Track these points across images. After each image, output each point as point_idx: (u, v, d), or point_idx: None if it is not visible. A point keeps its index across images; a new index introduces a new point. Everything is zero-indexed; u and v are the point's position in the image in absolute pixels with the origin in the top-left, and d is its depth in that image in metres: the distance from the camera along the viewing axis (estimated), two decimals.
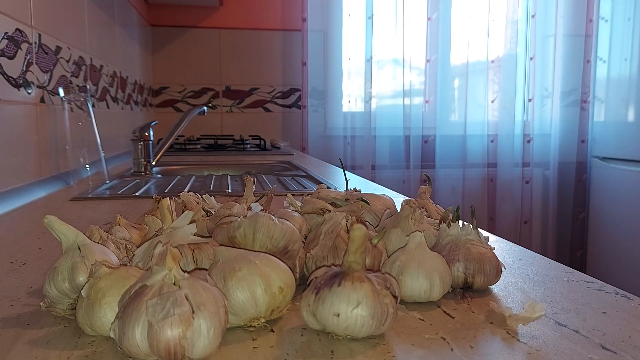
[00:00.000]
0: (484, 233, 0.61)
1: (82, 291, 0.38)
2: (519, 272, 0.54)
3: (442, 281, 0.45)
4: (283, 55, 2.77)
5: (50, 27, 1.18)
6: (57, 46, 1.22)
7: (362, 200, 0.58)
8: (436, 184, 2.86)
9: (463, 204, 2.87)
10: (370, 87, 2.74)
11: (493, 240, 0.67)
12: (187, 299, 0.33)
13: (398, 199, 0.96)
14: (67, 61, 1.31)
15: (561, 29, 2.86)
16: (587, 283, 0.50)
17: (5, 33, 0.94)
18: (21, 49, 1.01)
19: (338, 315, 0.36)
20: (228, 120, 2.77)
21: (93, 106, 1.44)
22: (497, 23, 2.82)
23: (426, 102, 2.85)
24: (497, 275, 0.48)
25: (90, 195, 1.04)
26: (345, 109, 2.80)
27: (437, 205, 0.65)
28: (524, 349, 0.36)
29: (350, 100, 2.81)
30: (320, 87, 2.77)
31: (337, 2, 2.72)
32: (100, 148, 1.23)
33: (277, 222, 0.46)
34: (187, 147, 2.35)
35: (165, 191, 1.14)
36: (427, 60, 2.81)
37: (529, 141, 2.91)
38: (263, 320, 0.39)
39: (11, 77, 0.97)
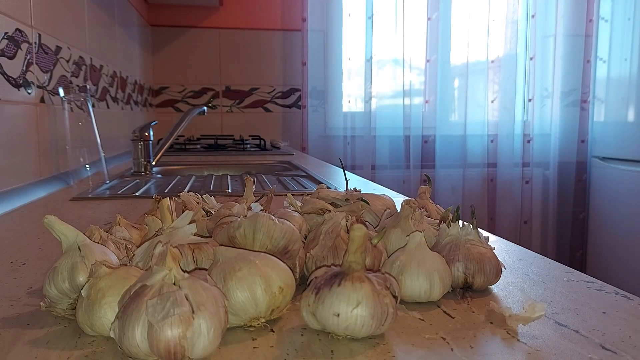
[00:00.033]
0: (484, 233, 0.61)
1: (82, 291, 0.38)
2: (519, 272, 0.54)
3: (442, 281, 0.45)
4: (283, 55, 2.77)
5: (50, 27, 1.18)
6: (57, 46, 1.22)
7: (362, 200, 0.58)
8: (436, 184, 2.86)
9: (463, 204, 2.87)
10: (370, 87, 2.74)
11: (493, 240, 0.67)
12: (187, 299, 0.33)
13: (398, 199, 0.96)
14: (67, 61, 1.31)
15: (561, 29, 2.86)
16: (587, 283, 0.50)
17: (5, 33, 0.94)
18: (21, 49, 1.01)
19: (338, 315, 0.36)
20: (228, 120, 2.77)
21: (93, 106, 1.44)
22: (497, 23, 2.82)
23: (426, 102, 2.85)
24: (497, 275, 0.48)
25: (90, 195, 1.04)
26: (345, 109, 2.80)
27: (437, 205, 0.65)
28: (524, 349, 0.36)
29: (350, 100, 2.81)
30: (320, 87, 2.77)
31: (337, 2, 2.72)
32: (100, 148, 1.23)
33: (277, 222, 0.46)
34: (187, 147, 2.35)
35: (165, 191, 1.14)
36: (427, 60, 2.81)
37: (529, 141, 2.91)
38: (263, 320, 0.39)
39: (11, 77, 0.97)
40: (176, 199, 0.63)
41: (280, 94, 2.80)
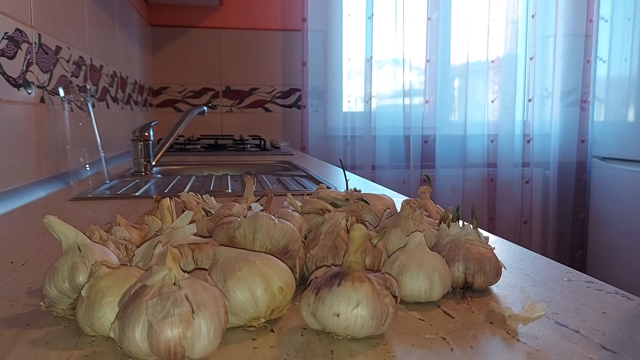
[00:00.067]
0: (484, 233, 0.61)
1: (82, 291, 0.38)
2: (519, 272, 0.54)
3: (442, 281, 0.45)
4: (283, 55, 2.77)
5: (50, 27, 1.18)
6: (57, 46, 1.22)
7: (362, 200, 0.58)
8: (436, 184, 2.86)
9: (463, 204, 2.87)
10: (370, 87, 2.74)
11: (493, 240, 0.67)
12: (187, 299, 0.33)
13: (398, 199, 0.96)
14: (67, 61, 1.31)
15: (561, 29, 2.86)
16: (587, 283, 0.50)
17: (5, 33, 0.94)
18: (21, 49, 1.01)
19: (338, 315, 0.36)
20: (228, 120, 2.77)
21: (93, 106, 1.44)
22: (497, 23, 2.82)
23: (426, 102, 2.85)
24: (497, 275, 0.48)
25: (90, 195, 1.04)
26: (345, 109, 2.80)
27: (437, 205, 0.65)
28: (524, 349, 0.36)
29: (350, 100, 2.81)
30: (320, 87, 2.77)
31: (337, 2, 2.72)
32: (100, 148, 1.23)
33: (277, 222, 0.46)
34: (187, 147, 2.35)
35: (165, 191, 1.14)
36: (427, 60, 2.81)
37: (529, 141, 2.91)
38: (263, 320, 0.39)
39: (11, 77, 0.97)
40: (176, 199, 0.63)
41: (280, 94, 2.80)
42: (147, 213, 0.58)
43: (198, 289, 0.34)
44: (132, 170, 1.46)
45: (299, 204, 0.60)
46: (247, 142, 2.43)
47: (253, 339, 0.38)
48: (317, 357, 0.35)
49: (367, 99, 2.75)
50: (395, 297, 0.38)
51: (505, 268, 0.51)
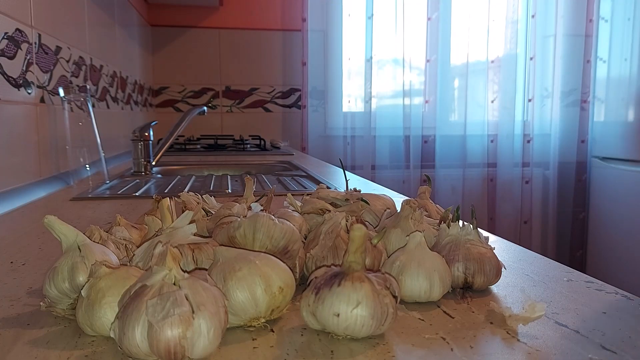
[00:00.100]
0: (484, 233, 0.61)
1: (82, 291, 0.38)
2: (519, 272, 0.54)
3: (442, 281, 0.45)
4: (283, 55, 2.77)
5: (50, 27, 1.18)
6: (57, 46, 1.22)
7: (362, 200, 0.58)
8: (436, 184, 2.86)
9: (463, 204, 2.87)
10: (370, 87, 2.74)
11: (493, 240, 0.67)
12: (187, 299, 0.33)
13: (398, 199, 0.96)
14: (67, 61, 1.31)
15: (561, 29, 2.86)
16: (587, 283, 0.50)
17: (5, 33, 0.94)
18: (21, 49, 1.01)
19: (338, 315, 0.36)
20: (228, 120, 2.77)
21: (93, 106, 1.44)
22: (497, 23, 2.82)
23: (426, 102, 2.85)
24: (497, 275, 0.48)
25: (90, 195, 1.04)
26: (345, 109, 2.80)
27: (437, 205, 0.65)
28: (524, 349, 0.36)
29: (350, 100, 2.81)
30: (320, 87, 2.77)
31: (337, 2, 2.72)
32: (100, 148, 1.23)
33: (277, 222, 0.46)
34: (187, 147, 2.35)
35: (165, 191, 1.14)
36: (427, 60, 2.81)
37: (529, 141, 2.91)
38: (263, 320, 0.39)
39: (11, 77, 0.97)
40: (176, 199, 0.63)
41: (280, 94, 2.80)
42: (147, 213, 0.58)
43: (198, 289, 0.34)
44: (132, 170, 1.46)
45: (299, 204, 0.60)
46: (247, 142, 2.43)
47: (253, 339, 0.38)
48: (317, 357, 0.35)
49: (367, 99, 2.75)
50: (395, 297, 0.38)
51: (505, 268, 0.51)
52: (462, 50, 2.81)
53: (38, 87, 1.10)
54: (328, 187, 0.66)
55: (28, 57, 1.05)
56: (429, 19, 2.77)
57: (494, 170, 2.89)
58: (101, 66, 1.66)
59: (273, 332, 0.39)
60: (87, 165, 1.22)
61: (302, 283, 0.48)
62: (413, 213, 0.53)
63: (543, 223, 2.97)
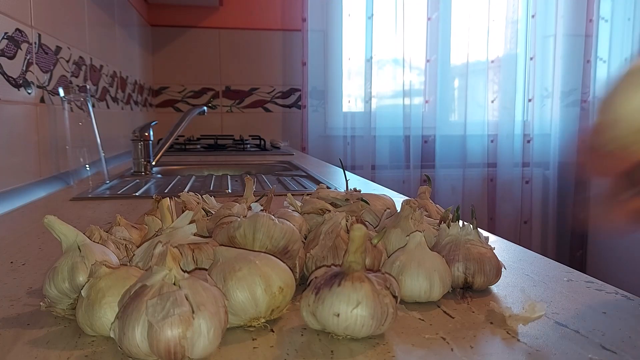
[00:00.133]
0: (484, 233, 0.61)
1: (82, 291, 0.38)
2: (519, 272, 0.54)
3: (442, 281, 0.45)
4: (283, 55, 2.77)
5: (50, 27, 1.18)
6: (57, 46, 1.22)
7: (362, 200, 0.58)
8: (436, 184, 2.86)
9: (463, 204, 2.87)
10: (370, 87, 2.74)
11: (493, 240, 0.67)
12: (187, 299, 0.33)
13: (398, 199, 0.96)
14: (67, 61, 1.31)
15: (561, 29, 2.86)
16: (587, 283, 0.50)
17: (5, 33, 0.94)
18: (21, 49, 1.01)
19: (338, 315, 0.36)
20: (228, 120, 2.77)
21: (93, 106, 1.44)
22: (497, 23, 2.82)
23: (426, 102, 2.85)
24: (497, 275, 0.48)
25: (90, 195, 1.04)
26: (345, 109, 2.80)
27: (437, 205, 0.65)
28: (524, 349, 0.36)
29: (350, 100, 2.81)
30: (320, 87, 2.77)
31: (337, 2, 2.72)
32: (100, 148, 1.23)
33: (277, 222, 0.46)
34: (187, 147, 2.35)
35: (165, 191, 1.14)
36: (427, 60, 2.81)
37: (529, 141, 2.91)
38: (263, 320, 0.39)
39: (11, 77, 0.97)
40: (176, 199, 0.63)
41: (280, 94, 2.80)
42: (147, 213, 0.58)
43: (198, 289, 0.34)
44: (132, 170, 1.46)
45: (299, 204, 0.60)
46: (247, 142, 2.42)
47: (253, 339, 0.38)
48: (317, 357, 0.35)
49: (367, 99, 2.75)
50: (395, 297, 0.38)
51: (505, 268, 0.51)
52: (462, 50, 2.81)
53: (38, 87, 1.10)
54: (328, 187, 0.66)
55: (28, 57, 1.05)
56: (429, 19, 2.77)
57: (494, 170, 2.89)
58: (101, 66, 1.66)
59: (273, 332, 0.39)
60: (87, 165, 1.22)
61: (302, 283, 0.48)
62: (413, 213, 0.53)
63: (543, 223, 2.97)
